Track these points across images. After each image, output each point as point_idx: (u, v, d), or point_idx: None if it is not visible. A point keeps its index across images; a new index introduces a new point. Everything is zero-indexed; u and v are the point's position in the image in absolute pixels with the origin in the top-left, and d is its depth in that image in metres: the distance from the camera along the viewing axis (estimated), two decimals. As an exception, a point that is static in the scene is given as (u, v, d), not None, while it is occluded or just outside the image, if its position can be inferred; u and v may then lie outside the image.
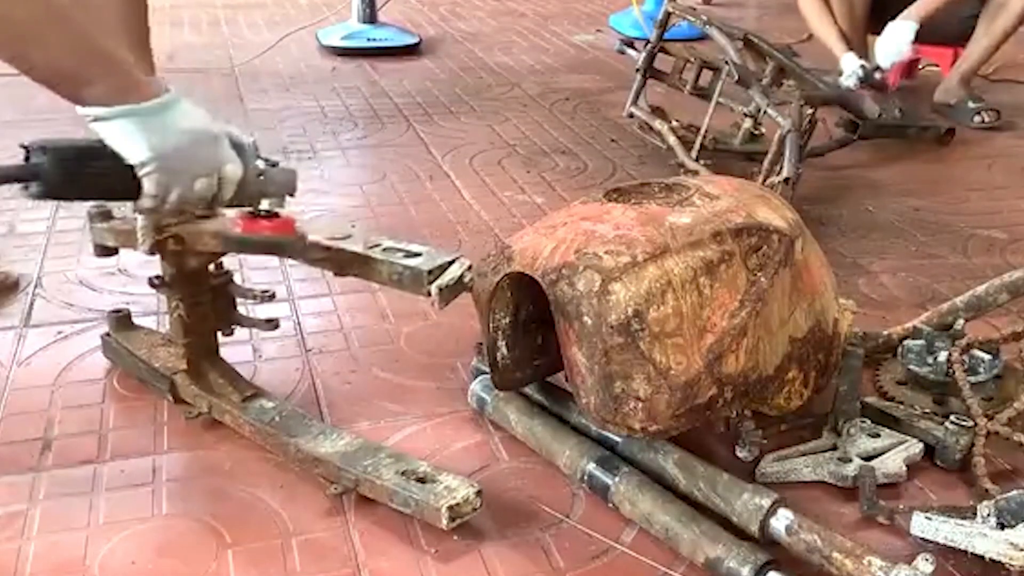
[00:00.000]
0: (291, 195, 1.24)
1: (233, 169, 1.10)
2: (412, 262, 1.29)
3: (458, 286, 1.28)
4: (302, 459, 1.33)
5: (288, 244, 1.28)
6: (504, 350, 1.37)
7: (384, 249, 1.33)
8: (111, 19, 1.47)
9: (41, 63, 0.96)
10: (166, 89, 1.05)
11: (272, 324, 1.46)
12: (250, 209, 1.22)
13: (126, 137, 0.99)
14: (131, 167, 1.02)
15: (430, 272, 1.27)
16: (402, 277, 1.29)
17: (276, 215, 1.23)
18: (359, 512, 1.28)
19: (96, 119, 1.00)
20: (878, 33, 2.98)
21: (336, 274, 1.35)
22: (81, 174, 1.03)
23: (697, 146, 2.36)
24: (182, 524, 1.26)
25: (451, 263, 1.29)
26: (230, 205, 1.18)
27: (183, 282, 1.42)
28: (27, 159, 1.02)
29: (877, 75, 2.92)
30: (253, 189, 1.18)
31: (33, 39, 0.94)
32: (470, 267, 1.30)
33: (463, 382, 1.55)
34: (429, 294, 1.27)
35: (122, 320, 1.61)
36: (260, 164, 1.18)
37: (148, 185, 1.03)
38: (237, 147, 1.13)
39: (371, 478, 1.26)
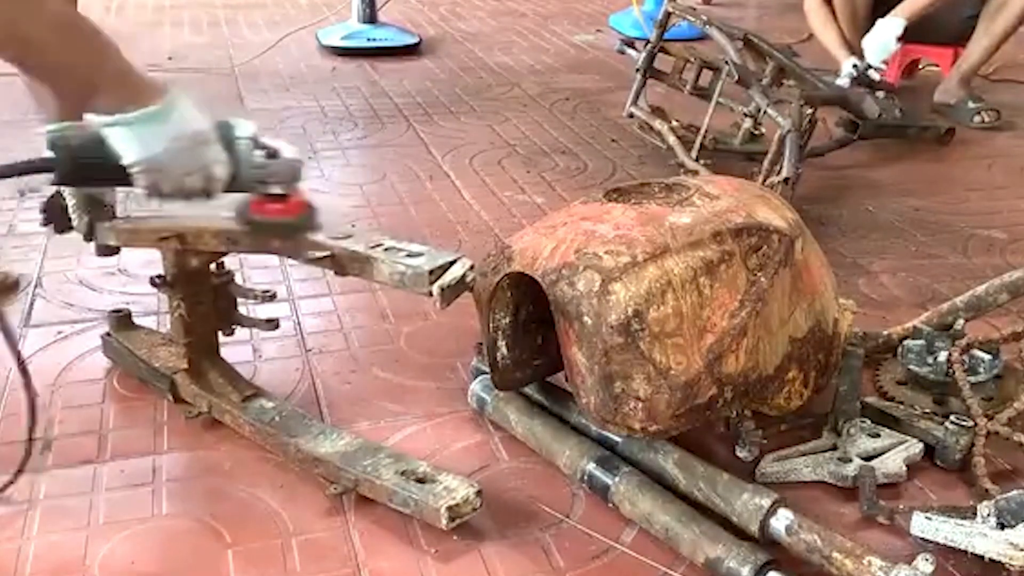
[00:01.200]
0: (296, 183, 1.26)
1: (220, 169, 1.19)
2: (414, 262, 1.28)
3: (460, 286, 1.28)
4: (302, 459, 1.33)
5: (293, 225, 1.29)
6: (504, 350, 1.37)
7: (386, 249, 1.32)
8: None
9: (49, 74, 1.08)
10: (166, 91, 1.14)
11: (272, 324, 1.47)
12: (261, 193, 1.26)
13: (120, 141, 1.11)
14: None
15: (432, 272, 1.27)
16: (404, 277, 1.28)
17: (284, 197, 1.25)
18: (359, 512, 1.28)
19: (99, 124, 1.11)
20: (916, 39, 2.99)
21: (337, 273, 1.35)
22: (88, 165, 1.14)
23: (697, 146, 2.36)
24: (182, 524, 1.26)
25: (453, 263, 1.29)
26: (230, 192, 1.24)
27: (185, 282, 1.42)
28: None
29: (872, 73, 2.92)
30: (248, 181, 1.23)
31: (44, 52, 1.06)
32: (472, 267, 1.30)
33: (463, 382, 1.55)
34: (431, 294, 1.27)
35: (122, 320, 1.61)
36: (258, 156, 1.22)
37: (139, 182, 1.14)
38: (229, 144, 1.20)
39: (371, 478, 1.27)
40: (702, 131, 2.36)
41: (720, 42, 2.48)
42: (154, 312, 1.77)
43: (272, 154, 1.23)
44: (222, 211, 1.31)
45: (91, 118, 1.11)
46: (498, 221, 2.22)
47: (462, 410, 1.50)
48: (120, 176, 1.14)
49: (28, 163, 1.14)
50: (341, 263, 1.33)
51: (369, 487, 1.27)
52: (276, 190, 1.25)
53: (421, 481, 1.26)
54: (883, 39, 2.98)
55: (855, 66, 2.93)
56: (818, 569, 1.14)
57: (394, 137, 2.83)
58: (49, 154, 1.13)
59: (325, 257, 1.32)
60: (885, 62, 3.02)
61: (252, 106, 3.06)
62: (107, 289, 1.87)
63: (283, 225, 1.29)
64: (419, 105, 3.13)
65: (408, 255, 1.31)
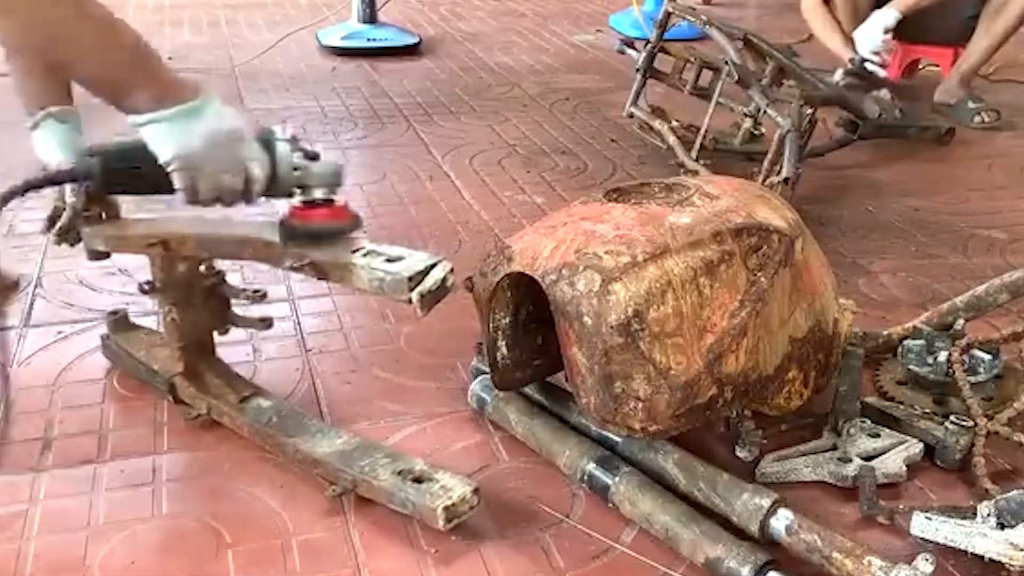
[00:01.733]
0: (336, 187, 1.24)
1: (258, 167, 1.18)
2: (393, 268, 1.21)
3: (440, 291, 1.21)
4: (300, 459, 1.33)
5: (342, 230, 1.27)
6: (504, 350, 1.37)
7: (365, 253, 1.24)
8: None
9: (88, 74, 1.11)
10: (200, 90, 1.15)
11: (266, 323, 1.46)
12: (302, 199, 1.24)
13: (156, 139, 1.12)
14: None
15: (411, 278, 1.20)
16: (383, 284, 1.21)
17: (328, 202, 1.23)
18: (359, 512, 1.28)
19: (134, 123, 1.13)
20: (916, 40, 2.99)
21: (319, 279, 1.30)
22: (126, 172, 1.17)
23: (697, 146, 2.36)
24: (182, 524, 1.26)
25: (433, 266, 1.22)
26: (270, 196, 1.22)
27: (174, 286, 1.41)
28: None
29: (868, 67, 2.92)
30: (288, 183, 1.21)
31: (80, 51, 1.09)
32: (452, 270, 1.23)
33: (463, 382, 1.55)
34: (411, 301, 1.20)
35: (121, 322, 1.61)
36: (297, 159, 1.21)
37: (177, 181, 1.14)
38: (267, 145, 1.19)
39: (368, 479, 1.26)
40: (702, 131, 2.36)
41: (720, 42, 2.48)
42: (154, 312, 1.77)
43: (312, 156, 1.21)
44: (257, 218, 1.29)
45: (131, 119, 1.13)
46: (498, 221, 2.22)
47: (462, 410, 1.50)
48: (157, 179, 1.15)
49: (66, 171, 1.16)
50: (323, 269, 1.26)
51: (367, 488, 1.27)
52: (318, 194, 1.22)
53: (418, 481, 1.25)
54: (874, 30, 2.98)
55: (851, 60, 2.93)
56: (818, 569, 1.14)
57: (394, 137, 2.83)
58: (85, 161, 1.15)
59: (306, 264, 1.26)
60: (878, 54, 3.01)
61: (252, 106, 3.06)
62: (107, 289, 1.87)
63: (331, 231, 1.25)
64: (419, 105, 3.13)
65: (387, 260, 1.23)
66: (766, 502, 1.18)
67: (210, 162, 1.13)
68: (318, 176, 1.22)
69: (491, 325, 1.35)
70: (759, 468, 1.34)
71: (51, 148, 1.26)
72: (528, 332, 1.39)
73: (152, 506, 1.30)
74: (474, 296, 1.35)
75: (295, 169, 1.21)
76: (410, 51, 3.79)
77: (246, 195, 1.19)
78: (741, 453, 1.36)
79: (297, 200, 1.24)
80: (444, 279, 1.22)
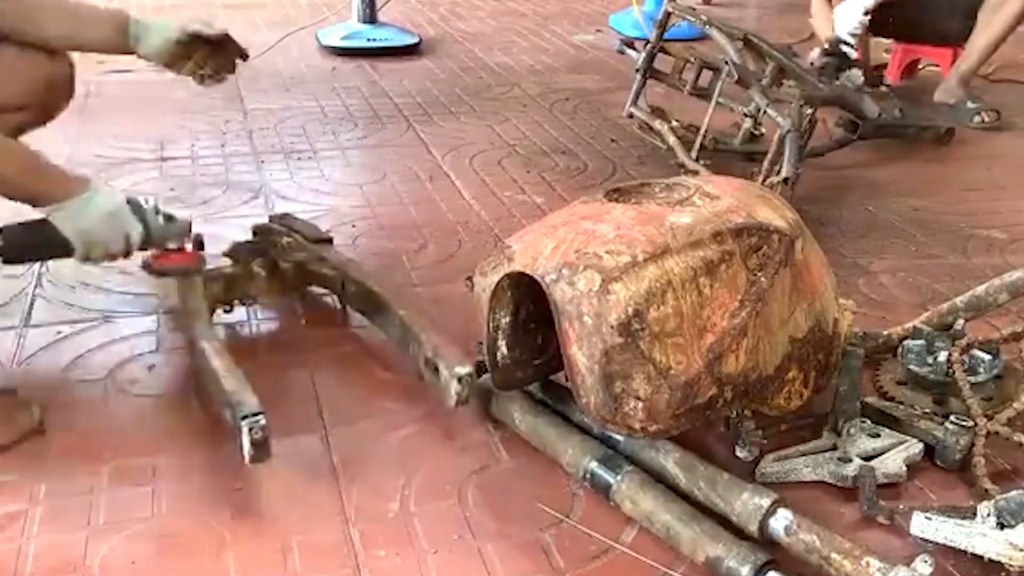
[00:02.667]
0: (186, 239, 1.59)
1: (137, 234, 1.52)
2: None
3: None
4: None
5: (191, 270, 1.61)
6: (504, 349, 1.37)
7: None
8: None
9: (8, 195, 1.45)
10: (89, 182, 1.49)
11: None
12: (163, 248, 1.60)
13: (61, 223, 1.46)
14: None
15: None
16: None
17: (180, 249, 1.59)
18: (359, 512, 1.28)
19: (45, 213, 1.45)
20: (881, 34, 2.97)
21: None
22: (32, 243, 1.50)
23: (697, 146, 2.36)
24: (182, 524, 1.26)
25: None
26: (144, 249, 1.57)
27: None
28: None
29: (843, 48, 2.88)
30: (156, 240, 1.56)
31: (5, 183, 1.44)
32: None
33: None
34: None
35: None
36: (160, 220, 1.55)
37: (77, 251, 1.48)
38: (139, 212, 1.52)
39: None
40: (702, 131, 2.36)
41: (720, 42, 2.48)
42: (153, 312, 1.78)
43: (169, 218, 1.56)
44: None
45: (41, 210, 1.45)
46: (498, 221, 2.22)
47: (462, 410, 1.50)
48: (59, 249, 1.48)
49: None
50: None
51: None
52: (173, 245, 1.58)
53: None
54: (854, 10, 2.95)
55: (827, 39, 2.90)
56: (817, 569, 1.14)
57: (394, 137, 2.83)
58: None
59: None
60: (854, 36, 2.95)
61: (252, 106, 3.06)
62: (107, 289, 1.87)
63: (183, 270, 1.60)
64: (419, 105, 3.13)
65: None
66: (765, 502, 1.19)
67: (101, 236, 1.48)
68: (175, 234, 1.57)
69: (491, 324, 1.35)
70: (759, 468, 1.34)
71: None
72: (528, 332, 1.39)
73: (152, 506, 1.30)
74: (475, 295, 1.35)
75: (160, 229, 1.54)
76: (410, 51, 3.79)
77: (127, 254, 1.53)
78: (741, 453, 1.36)
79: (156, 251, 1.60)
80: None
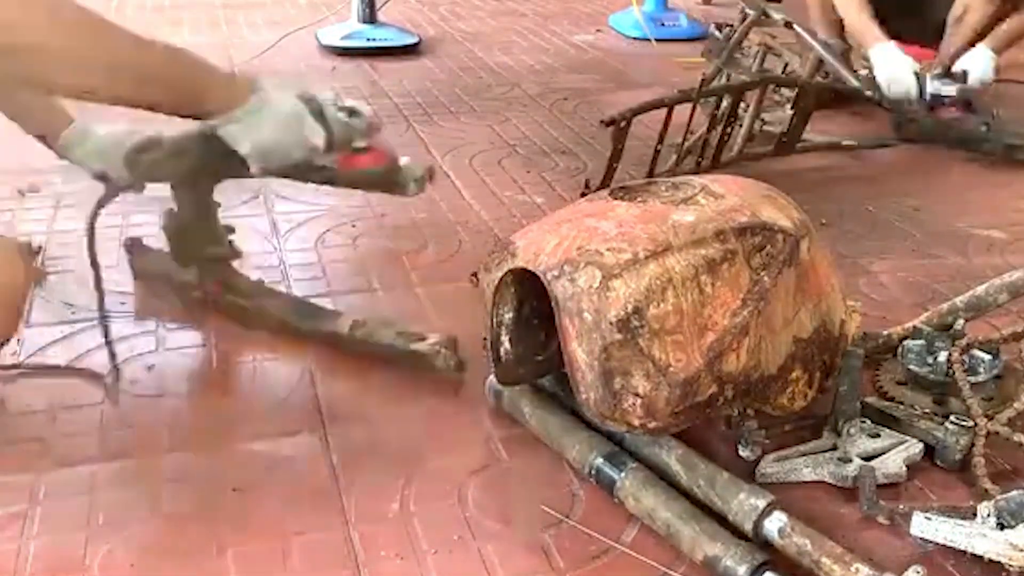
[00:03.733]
0: (375, 136, 1.45)
1: (318, 139, 1.36)
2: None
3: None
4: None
5: (382, 172, 1.49)
6: (507, 345, 1.38)
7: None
8: None
9: (171, 105, 1.29)
10: (256, 82, 1.34)
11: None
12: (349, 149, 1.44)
13: (233, 138, 1.32)
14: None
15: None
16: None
17: (367, 149, 1.44)
18: (359, 512, 1.28)
19: (213, 127, 1.33)
20: (897, 37, 2.93)
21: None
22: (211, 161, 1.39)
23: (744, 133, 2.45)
24: (182, 524, 1.26)
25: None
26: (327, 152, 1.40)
27: None
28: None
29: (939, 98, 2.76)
30: (341, 144, 1.40)
31: (167, 87, 1.28)
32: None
33: (463, 382, 1.55)
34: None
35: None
36: (342, 116, 1.39)
37: (253, 166, 1.34)
38: (318, 114, 1.36)
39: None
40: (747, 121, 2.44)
41: (808, 42, 2.64)
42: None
43: (353, 112, 1.41)
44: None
45: (207, 123, 1.33)
46: (498, 221, 2.22)
47: (462, 409, 1.50)
48: (236, 164, 1.34)
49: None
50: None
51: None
52: (360, 144, 1.43)
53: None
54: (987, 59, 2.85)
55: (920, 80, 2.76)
56: (809, 572, 1.14)
57: (394, 137, 2.83)
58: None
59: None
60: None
61: (252, 106, 3.06)
62: (107, 289, 1.86)
63: (373, 173, 1.48)
64: (419, 105, 3.13)
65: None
66: (761, 503, 1.19)
67: (279, 146, 1.33)
68: (360, 131, 1.42)
69: (495, 320, 1.36)
70: (759, 468, 1.34)
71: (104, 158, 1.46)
72: (531, 328, 1.39)
73: (152, 506, 1.29)
74: (480, 291, 1.36)
75: (343, 129, 1.39)
76: (410, 51, 3.79)
77: (309, 162, 1.39)
78: (744, 452, 1.36)
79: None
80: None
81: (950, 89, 2.75)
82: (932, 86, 2.76)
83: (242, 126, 1.31)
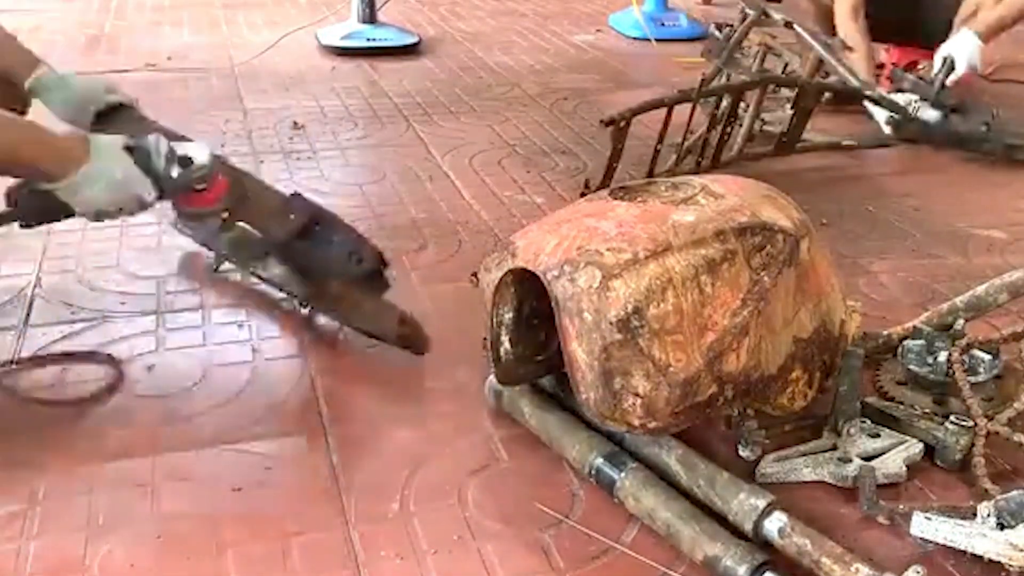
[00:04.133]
0: (210, 179, 1.50)
1: (148, 194, 1.45)
2: None
3: None
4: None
5: (213, 212, 1.55)
6: (507, 345, 1.38)
7: None
8: None
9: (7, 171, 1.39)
10: (89, 144, 1.41)
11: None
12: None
13: (68, 198, 1.40)
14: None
15: None
16: None
17: (203, 191, 1.50)
18: (359, 512, 1.28)
19: (48, 189, 1.40)
20: (898, 38, 2.91)
21: None
22: (47, 208, 1.44)
23: (745, 132, 2.45)
24: (182, 524, 1.26)
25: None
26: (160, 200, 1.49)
27: None
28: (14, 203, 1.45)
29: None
30: (172, 191, 1.48)
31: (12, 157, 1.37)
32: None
33: (463, 382, 1.55)
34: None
35: None
36: (176, 170, 1.46)
37: (89, 218, 1.44)
38: (148, 169, 1.44)
39: None
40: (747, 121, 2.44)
41: (808, 42, 2.65)
42: (153, 312, 1.77)
43: (186, 162, 1.47)
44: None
45: (44, 185, 1.40)
46: (498, 221, 2.22)
47: (462, 410, 1.50)
48: (72, 213, 1.43)
49: (6, 214, 1.45)
50: None
51: None
52: (197, 187, 1.49)
53: None
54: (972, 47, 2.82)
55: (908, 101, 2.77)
56: (809, 572, 1.14)
57: (394, 137, 2.83)
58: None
59: None
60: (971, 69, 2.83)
61: (252, 106, 3.06)
62: (107, 289, 1.87)
63: (206, 213, 1.55)
64: (419, 105, 3.13)
65: None
66: (761, 503, 1.19)
67: (111, 204, 1.42)
68: (193, 180, 1.48)
69: (495, 320, 1.36)
70: (759, 468, 1.34)
71: None
72: (531, 328, 1.39)
73: (152, 506, 1.29)
74: (480, 291, 1.36)
75: (175, 179, 1.46)
76: (410, 51, 3.79)
77: (142, 210, 1.47)
78: (744, 452, 1.36)
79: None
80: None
81: (934, 114, 2.76)
82: (925, 114, 2.77)
83: (72, 189, 1.40)
